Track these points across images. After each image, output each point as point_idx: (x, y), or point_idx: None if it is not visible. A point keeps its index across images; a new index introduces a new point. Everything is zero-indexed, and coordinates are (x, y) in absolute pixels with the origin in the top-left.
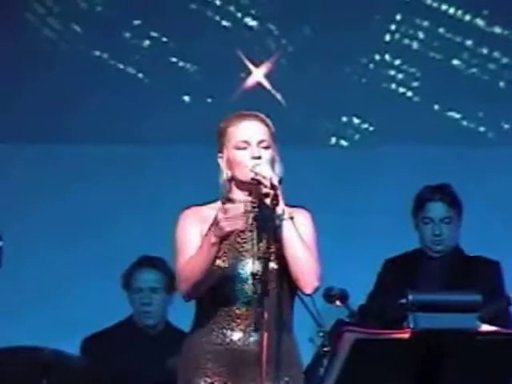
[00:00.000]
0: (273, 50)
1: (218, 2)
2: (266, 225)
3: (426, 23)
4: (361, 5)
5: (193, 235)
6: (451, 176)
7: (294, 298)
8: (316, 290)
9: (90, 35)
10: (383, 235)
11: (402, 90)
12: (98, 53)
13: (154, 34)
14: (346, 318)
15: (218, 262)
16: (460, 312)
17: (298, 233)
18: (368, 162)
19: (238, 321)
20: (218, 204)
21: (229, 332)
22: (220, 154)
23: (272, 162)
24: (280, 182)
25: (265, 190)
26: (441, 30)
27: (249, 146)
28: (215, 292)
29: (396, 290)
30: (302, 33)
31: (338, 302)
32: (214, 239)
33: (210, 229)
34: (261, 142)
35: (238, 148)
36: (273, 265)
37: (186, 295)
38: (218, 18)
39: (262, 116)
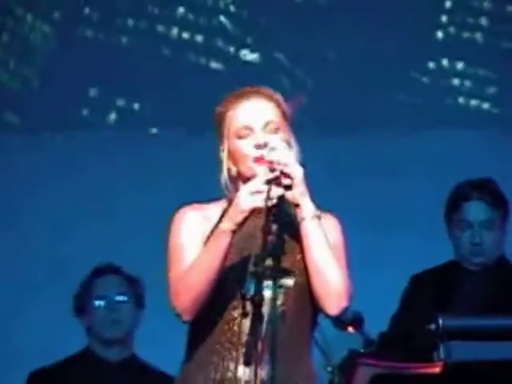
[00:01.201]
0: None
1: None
2: (286, 228)
3: None
4: None
5: (194, 237)
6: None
7: (315, 324)
8: (343, 311)
9: None
10: (409, 244)
11: None
12: None
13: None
14: (361, 349)
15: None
16: (504, 340)
17: (324, 237)
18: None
19: (244, 350)
20: (223, 203)
21: (232, 365)
22: (221, 147)
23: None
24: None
25: (284, 181)
26: None
27: (252, 133)
28: (215, 312)
29: (424, 313)
30: None
31: (350, 328)
32: (227, 225)
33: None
34: (267, 124)
35: (240, 136)
36: (290, 281)
37: (186, 311)
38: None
39: (268, 91)
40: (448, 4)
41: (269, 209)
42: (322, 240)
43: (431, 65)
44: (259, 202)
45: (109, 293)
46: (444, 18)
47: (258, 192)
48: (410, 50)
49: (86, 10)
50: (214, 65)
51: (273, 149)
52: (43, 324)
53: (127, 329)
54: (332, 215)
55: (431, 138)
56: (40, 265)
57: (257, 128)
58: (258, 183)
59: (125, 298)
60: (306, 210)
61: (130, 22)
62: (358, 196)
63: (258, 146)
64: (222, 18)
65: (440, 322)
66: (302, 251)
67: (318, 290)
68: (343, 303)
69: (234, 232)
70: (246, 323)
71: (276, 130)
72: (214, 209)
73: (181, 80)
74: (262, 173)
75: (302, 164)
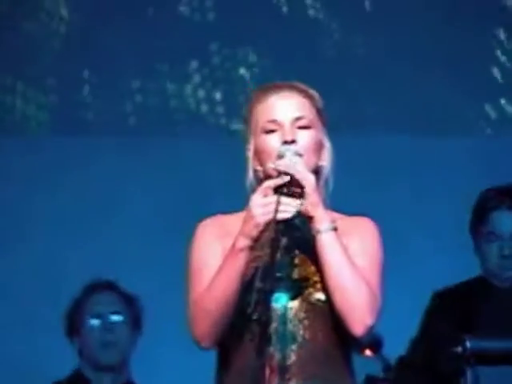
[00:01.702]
0: None
1: None
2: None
3: None
4: None
5: (213, 254)
6: None
7: (351, 346)
8: (369, 330)
9: None
10: (431, 257)
11: None
12: None
13: None
14: (380, 374)
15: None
16: None
17: (343, 249)
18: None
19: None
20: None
21: None
22: (247, 146)
23: (316, 149)
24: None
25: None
26: None
27: (280, 128)
28: (242, 337)
29: (448, 334)
30: None
31: (368, 352)
32: (243, 242)
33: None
34: (297, 119)
35: (267, 131)
36: (319, 295)
37: (206, 338)
38: None
39: (302, 85)
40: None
41: (278, 221)
42: (340, 253)
43: None
44: (273, 213)
45: (103, 311)
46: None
47: (268, 204)
48: None
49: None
50: None
51: (280, 156)
52: (28, 342)
53: (123, 353)
54: (365, 220)
55: (453, 146)
56: (32, 281)
57: (286, 123)
58: (265, 193)
59: (121, 318)
60: (320, 221)
61: None
62: (375, 203)
63: (285, 143)
64: None
65: (467, 344)
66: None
67: (340, 307)
68: (368, 321)
69: (251, 248)
70: (278, 348)
71: (306, 128)
72: (236, 222)
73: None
74: (271, 182)
75: (335, 165)
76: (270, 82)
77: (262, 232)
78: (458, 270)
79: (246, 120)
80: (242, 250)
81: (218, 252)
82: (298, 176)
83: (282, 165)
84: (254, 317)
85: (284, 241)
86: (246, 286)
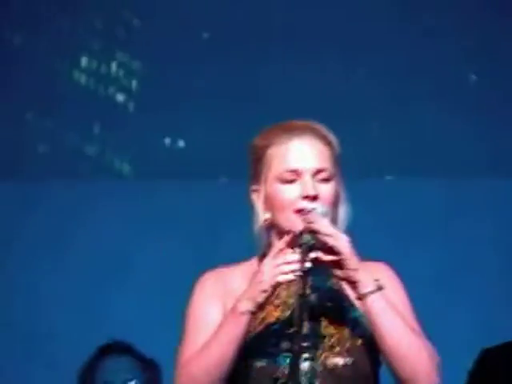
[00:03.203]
0: None
1: None
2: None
3: None
4: None
5: (210, 312)
6: None
7: None
8: None
9: None
10: (473, 307)
11: None
12: None
13: None
14: None
15: (253, 359)
16: None
17: (395, 311)
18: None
19: None
20: (253, 264)
21: None
22: (254, 187)
23: (335, 202)
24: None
25: (326, 258)
26: None
27: (299, 179)
28: None
29: None
30: None
31: None
32: (245, 305)
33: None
34: (319, 171)
35: (283, 181)
36: (339, 360)
37: None
38: None
39: (323, 130)
40: None
41: (305, 272)
42: (393, 316)
43: None
44: (287, 275)
45: (116, 378)
46: None
47: (289, 263)
48: None
49: None
50: None
51: (314, 209)
52: None
53: None
54: (384, 264)
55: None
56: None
57: (306, 174)
58: (279, 255)
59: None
60: (365, 285)
61: None
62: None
63: (307, 197)
64: None
65: None
66: (349, 324)
67: (402, 375)
68: (435, 380)
69: (253, 314)
70: None
71: (327, 180)
72: (239, 277)
73: None
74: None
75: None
76: (286, 121)
77: (269, 296)
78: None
79: (255, 160)
80: (243, 313)
81: (216, 312)
82: (333, 243)
83: (323, 229)
84: (282, 380)
85: (313, 297)
86: (273, 346)
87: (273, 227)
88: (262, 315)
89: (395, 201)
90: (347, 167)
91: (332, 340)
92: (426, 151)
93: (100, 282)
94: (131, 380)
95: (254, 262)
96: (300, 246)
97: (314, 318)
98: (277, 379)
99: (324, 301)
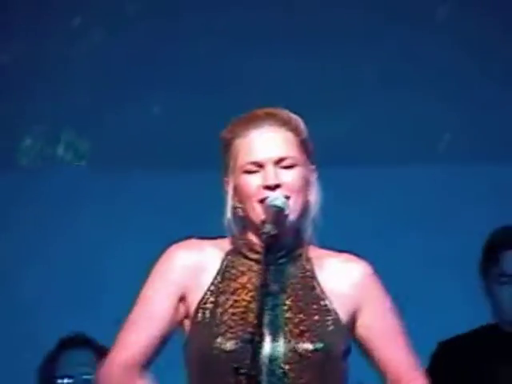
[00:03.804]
0: None
1: None
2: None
3: None
4: None
5: (161, 302)
6: None
7: None
8: None
9: None
10: (434, 300)
11: None
12: None
13: None
14: None
15: (219, 340)
16: None
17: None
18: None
19: None
20: (225, 243)
21: None
22: (225, 178)
23: (302, 186)
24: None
25: None
26: None
27: (262, 169)
28: None
29: None
30: None
31: None
32: None
33: None
34: (280, 160)
35: (248, 172)
36: (307, 345)
37: None
38: None
39: (284, 115)
40: None
41: (267, 262)
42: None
43: None
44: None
45: (75, 371)
46: None
47: None
48: None
49: None
50: None
51: (276, 198)
52: None
53: None
54: (362, 269)
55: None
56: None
57: (268, 164)
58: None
59: (94, 377)
60: None
61: None
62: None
63: (267, 188)
64: None
65: None
66: (320, 310)
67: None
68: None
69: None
70: None
71: (290, 167)
72: (213, 254)
73: None
74: None
75: (321, 200)
76: (249, 111)
77: (243, 275)
78: (466, 316)
79: (223, 152)
80: None
81: (167, 305)
82: None
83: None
84: (243, 371)
85: (273, 286)
86: (235, 337)
87: (244, 217)
88: (233, 298)
89: (383, 189)
90: (334, 155)
91: (301, 327)
92: (414, 138)
93: (81, 271)
94: (90, 374)
95: (225, 242)
96: (262, 235)
97: (283, 305)
98: (238, 369)
99: (295, 288)
